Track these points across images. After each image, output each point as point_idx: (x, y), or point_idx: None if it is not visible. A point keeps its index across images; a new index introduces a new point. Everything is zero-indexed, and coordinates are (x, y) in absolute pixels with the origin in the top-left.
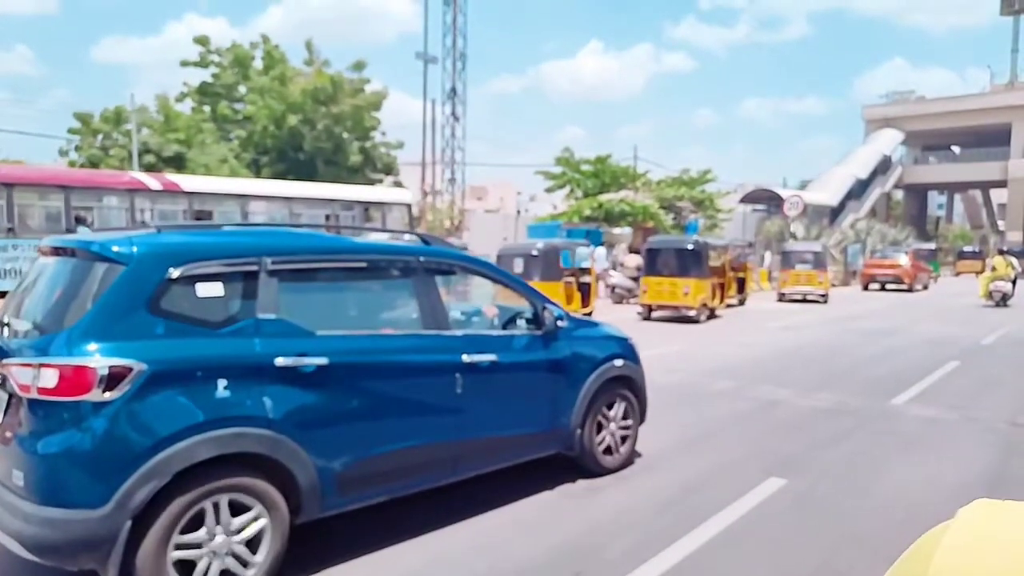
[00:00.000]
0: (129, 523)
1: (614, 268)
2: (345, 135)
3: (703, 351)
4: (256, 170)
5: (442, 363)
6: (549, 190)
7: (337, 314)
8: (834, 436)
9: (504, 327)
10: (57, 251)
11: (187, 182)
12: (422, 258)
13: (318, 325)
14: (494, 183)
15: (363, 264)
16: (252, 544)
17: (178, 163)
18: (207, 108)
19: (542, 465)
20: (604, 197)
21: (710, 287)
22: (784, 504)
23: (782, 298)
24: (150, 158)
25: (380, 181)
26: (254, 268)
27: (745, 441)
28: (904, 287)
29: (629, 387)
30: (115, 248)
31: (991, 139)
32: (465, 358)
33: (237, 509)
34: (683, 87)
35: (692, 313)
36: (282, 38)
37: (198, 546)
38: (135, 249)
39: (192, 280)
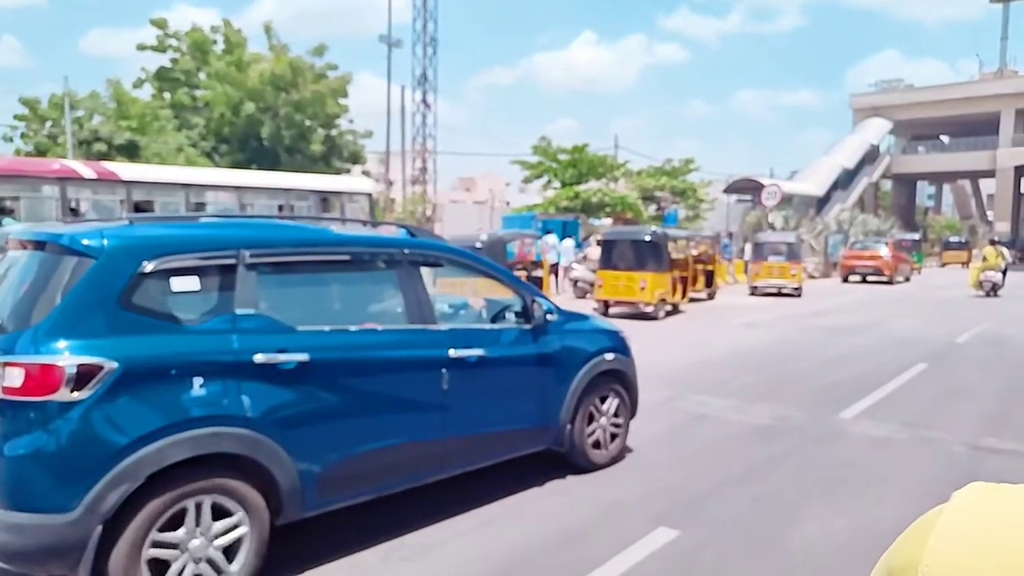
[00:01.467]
0: (100, 528)
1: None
2: (308, 123)
3: (650, 353)
4: (216, 159)
5: (428, 358)
6: (526, 180)
7: (319, 309)
8: (757, 466)
9: (493, 320)
10: (25, 244)
11: (125, 170)
12: (407, 250)
13: (299, 320)
14: (482, 174)
15: (345, 257)
16: (230, 548)
17: (131, 151)
18: (168, 95)
19: (531, 461)
20: (582, 187)
21: (670, 281)
22: (662, 568)
23: (754, 292)
24: (101, 146)
25: (347, 171)
26: (231, 261)
27: (646, 476)
28: (884, 279)
29: (620, 381)
30: (85, 241)
31: (980, 128)
32: (452, 353)
33: (215, 511)
34: (676, 78)
35: (649, 309)
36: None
37: (174, 549)
38: (106, 242)
39: (166, 274)
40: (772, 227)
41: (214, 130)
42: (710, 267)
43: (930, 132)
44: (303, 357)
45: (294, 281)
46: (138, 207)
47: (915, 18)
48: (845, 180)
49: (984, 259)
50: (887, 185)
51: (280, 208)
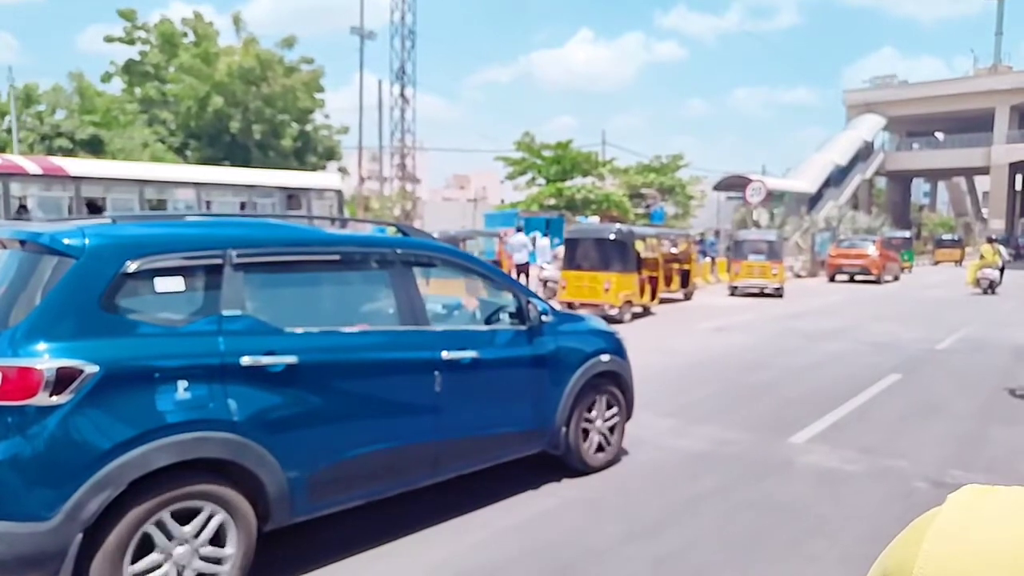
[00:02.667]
0: (80, 536)
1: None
2: (280, 117)
3: None
4: (185, 156)
5: (420, 360)
6: (510, 176)
7: (308, 310)
8: (674, 513)
9: (487, 321)
10: (5, 244)
11: (74, 166)
12: (399, 250)
13: (287, 322)
14: (477, 172)
15: (336, 256)
16: (217, 554)
17: (94, 147)
18: (139, 90)
19: (525, 464)
20: (568, 184)
21: (636, 282)
22: None
23: (734, 292)
24: (63, 141)
25: (323, 167)
26: (218, 261)
27: (527, 529)
28: (872, 278)
29: (616, 383)
30: (66, 240)
31: (975, 125)
32: (445, 355)
33: (201, 518)
34: (674, 76)
35: (614, 312)
36: (270, 28)
37: (158, 561)
38: (87, 241)
39: (150, 274)
40: (757, 225)
41: (182, 125)
42: (686, 266)
43: (925, 129)
44: (291, 359)
45: (283, 281)
46: (89, 205)
47: (911, 16)
48: (838, 177)
49: (982, 257)
50: (882, 183)
51: (243, 206)
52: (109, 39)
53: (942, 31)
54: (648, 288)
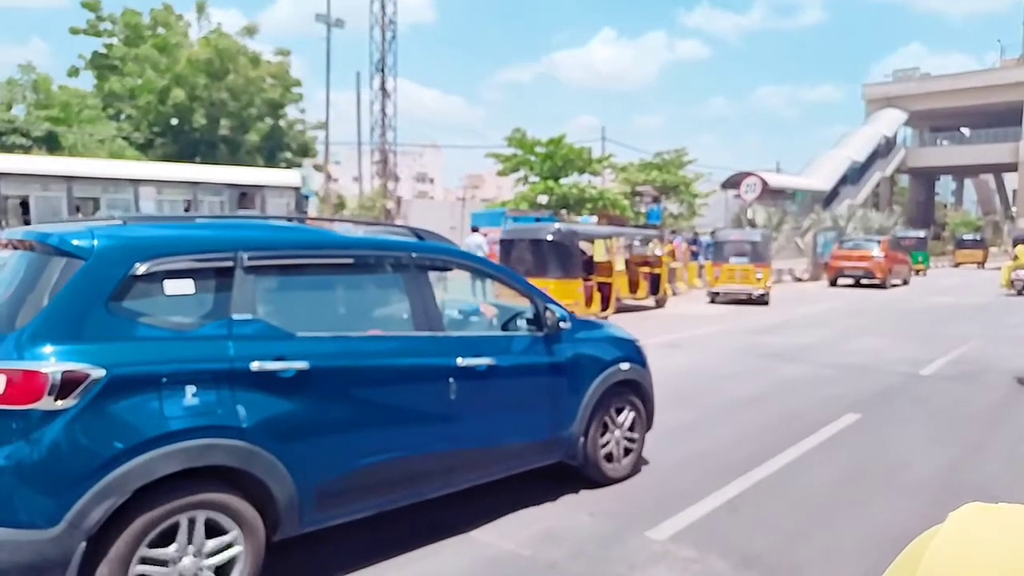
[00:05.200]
0: (84, 545)
1: None
2: (248, 111)
3: None
4: (149, 152)
5: (435, 367)
6: (501, 173)
7: (320, 314)
8: None
9: (503, 327)
10: (14, 245)
11: None
12: (414, 254)
13: (299, 326)
14: (491, 172)
15: (349, 260)
16: (224, 566)
17: (51, 143)
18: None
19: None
20: (566, 181)
21: (582, 289)
22: None
23: (714, 299)
24: (17, 138)
25: (299, 164)
26: (229, 264)
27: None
28: (877, 282)
29: (636, 392)
30: (75, 241)
31: (1003, 119)
32: (460, 361)
33: (208, 527)
34: (696, 75)
35: None
36: (292, 31)
37: (163, 567)
38: (96, 242)
39: (159, 277)
40: (752, 223)
41: (144, 120)
42: (657, 270)
43: (950, 124)
44: (303, 365)
45: (294, 285)
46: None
47: (939, 11)
48: (855, 175)
49: (1015, 258)
50: (905, 180)
51: (187, 204)
52: (74, 31)
53: (971, 25)
54: (598, 296)
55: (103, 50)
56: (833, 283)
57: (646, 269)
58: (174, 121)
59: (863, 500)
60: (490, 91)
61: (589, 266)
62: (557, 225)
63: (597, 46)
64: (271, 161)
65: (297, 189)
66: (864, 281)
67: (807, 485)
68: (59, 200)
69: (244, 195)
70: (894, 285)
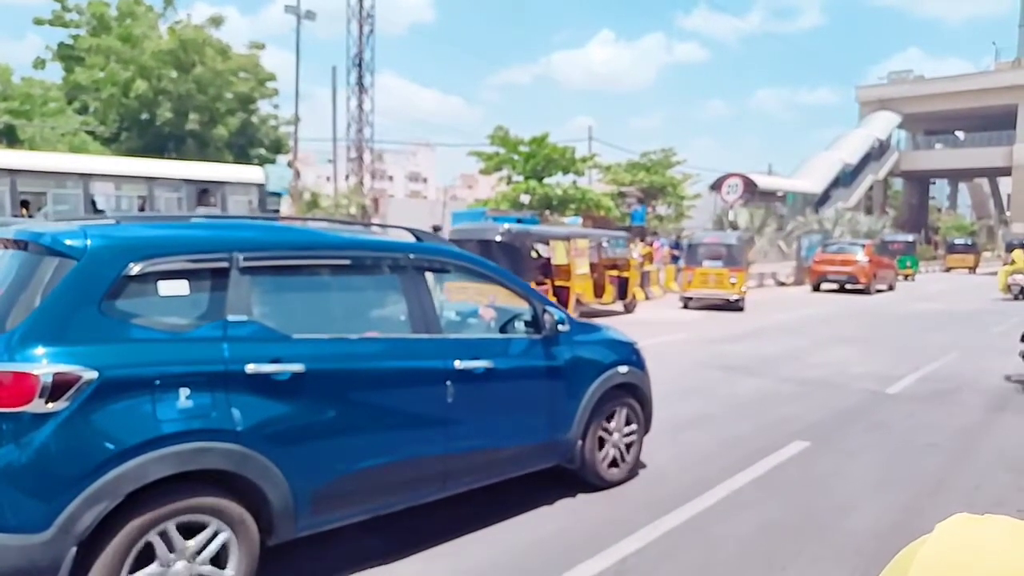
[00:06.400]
0: (74, 550)
1: None
2: (218, 106)
3: None
4: (114, 147)
5: (432, 370)
6: (483, 172)
7: (316, 316)
8: None
9: (501, 330)
10: (5, 244)
11: None
12: (412, 255)
13: (294, 328)
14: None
15: (346, 261)
16: (216, 571)
17: (9, 137)
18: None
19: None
20: (550, 181)
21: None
22: None
23: (687, 304)
24: None
25: (272, 161)
26: (224, 265)
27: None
28: (860, 287)
29: (634, 395)
30: (67, 241)
31: (997, 123)
32: (458, 364)
33: (201, 532)
34: (694, 77)
35: None
36: (288, 29)
37: (155, 572)
38: (89, 242)
39: (153, 277)
40: (734, 225)
41: (107, 114)
42: (625, 274)
43: (944, 127)
44: (298, 368)
45: (290, 286)
46: None
47: (937, 16)
48: (847, 177)
49: (1012, 262)
50: (900, 184)
51: (142, 201)
52: (39, 21)
53: (969, 31)
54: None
55: (70, 41)
56: (816, 288)
57: (615, 272)
58: (144, 116)
59: (781, 564)
60: (488, 92)
61: (546, 269)
62: (507, 225)
63: (595, 47)
64: (242, 158)
65: (261, 186)
66: (848, 286)
67: (721, 539)
68: (2, 194)
69: (204, 192)
70: (879, 290)
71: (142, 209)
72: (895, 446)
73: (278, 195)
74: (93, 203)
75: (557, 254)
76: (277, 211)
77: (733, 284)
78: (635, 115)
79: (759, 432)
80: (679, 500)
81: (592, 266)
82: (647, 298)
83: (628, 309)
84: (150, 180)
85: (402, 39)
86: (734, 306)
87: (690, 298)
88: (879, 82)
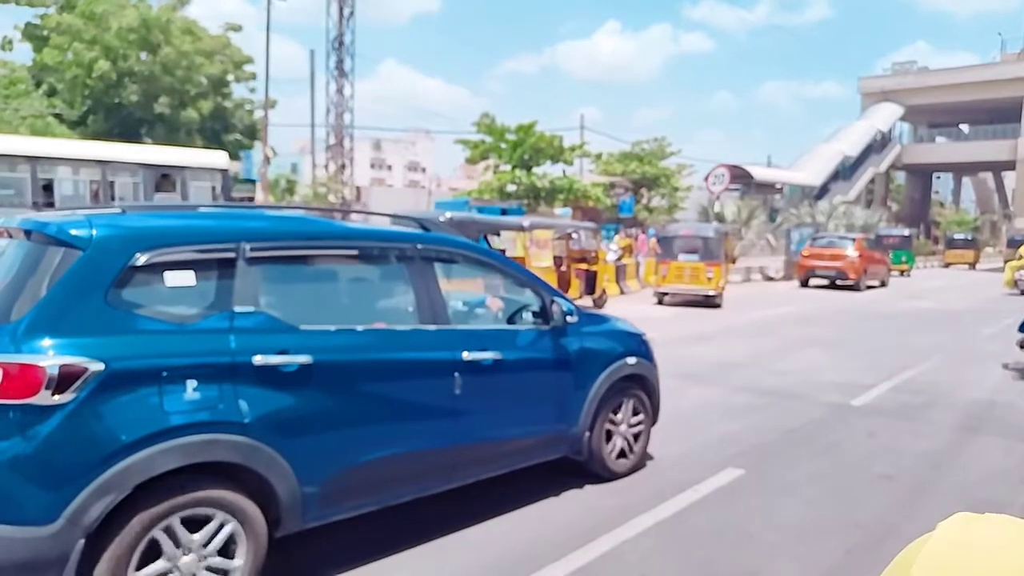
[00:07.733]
0: (82, 542)
1: None
2: (187, 88)
3: None
4: (81, 130)
5: (440, 361)
6: (469, 161)
7: (323, 307)
8: None
9: (509, 321)
10: (11, 233)
11: None
12: (420, 245)
13: (302, 319)
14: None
15: (353, 251)
16: (225, 562)
17: None
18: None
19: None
20: (539, 171)
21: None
22: None
23: (661, 300)
24: None
25: (248, 147)
26: (231, 255)
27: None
28: (850, 283)
29: (642, 387)
30: (73, 231)
31: (1002, 115)
32: (465, 355)
33: (209, 524)
34: (701, 69)
35: None
36: (292, 19)
37: (163, 565)
38: (95, 232)
39: (159, 268)
40: (720, 218)
41: (76, 96)
42: (593, 268)
43: (948, 120)
44: (306, 359)
45: (298, 277)
46: None
47: (946, 10)
48: (847, 170)
49: (1019, 257)
50: (902, 177)
51: (96, 186)
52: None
53: (977, 24)
54: None
55: (37, 20)
56: (804, 283)
57: (583, 266)
58: (113, 98)
59: None
60: (493, 82)
61: None
62: (449, 213)
63: (602, 38)
64: (216, 143)
65: (224, 171)
66: (839, 282)
67: None
68: None
69: (164, 177)
70: (870, 287)
71: (96, 195)
72: (843, 477)
73: (252, 182)
74: (44, 188)
75: (518, 246)
76: (251, 198)
77: (710, 279)
78: (642, 106)
79: (692, 454)
80: (566, 548)
81: (559, 259)
82: (622, 293)
83: (597, 305)
84: (104, 164)
85: (406, 28)
86: (711, 302)
87: (665, 293)
88: (882, 73)
